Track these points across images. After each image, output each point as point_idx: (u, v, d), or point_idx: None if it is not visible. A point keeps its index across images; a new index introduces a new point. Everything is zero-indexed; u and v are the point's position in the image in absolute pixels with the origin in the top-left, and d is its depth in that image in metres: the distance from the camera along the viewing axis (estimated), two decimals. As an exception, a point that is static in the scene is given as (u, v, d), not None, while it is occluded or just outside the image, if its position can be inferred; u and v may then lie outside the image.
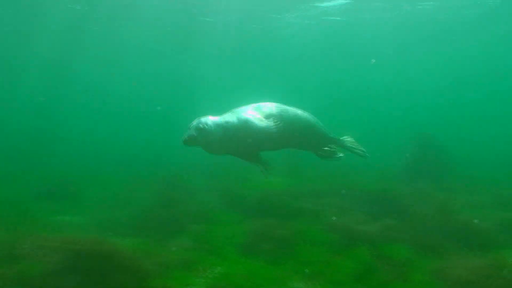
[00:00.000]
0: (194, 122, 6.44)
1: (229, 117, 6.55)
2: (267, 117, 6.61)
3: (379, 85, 45.24)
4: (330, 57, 32.87)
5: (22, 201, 11.92)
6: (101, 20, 22.45)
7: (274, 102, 6.98)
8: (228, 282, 6.32)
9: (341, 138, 7.53)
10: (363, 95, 49.19)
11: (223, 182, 13.15)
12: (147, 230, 8.73)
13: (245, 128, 6.50)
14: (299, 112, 7.03)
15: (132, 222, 9.41)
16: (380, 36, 25.92)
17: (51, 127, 37.61)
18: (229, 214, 9.93)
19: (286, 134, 6.71)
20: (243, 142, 6.52)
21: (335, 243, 7.94)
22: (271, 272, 6.77)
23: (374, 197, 10.37)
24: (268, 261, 7.23)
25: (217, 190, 12.04)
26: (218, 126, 6.42)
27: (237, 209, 10.16)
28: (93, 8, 20.77)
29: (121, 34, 25.45)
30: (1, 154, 21.05)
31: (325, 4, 20.70)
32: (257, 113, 6.66)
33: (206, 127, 6.32)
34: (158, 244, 7.90)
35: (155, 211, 9.92)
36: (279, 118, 6.64)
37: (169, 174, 13.74)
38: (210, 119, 6.46)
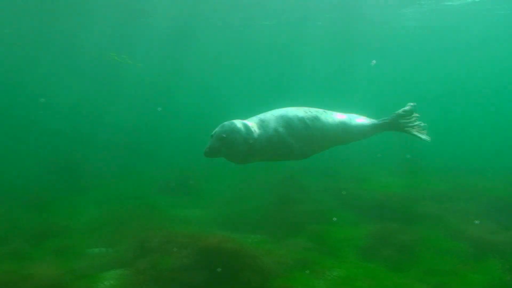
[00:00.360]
0: (217, 129, 5.97)
1: (255, 129, 5.98)
2: (294, 136, 6.13)
3: (494, 81, 42.28)
4: (450, 52, 31.26)
5: (147, 195, 12.65)
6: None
7: (309, 108, 6.56)
8: (349, 286, 6.21)
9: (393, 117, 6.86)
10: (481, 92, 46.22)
11: (339, 182, 12.98)
12: (266, 228, 8.84)
13: (272, 146, 6.05)
14: (329, 120, 6.53)
15: (250, 218, 9.58)
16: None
17: (167, 125, 39.48)
18: (346, 215, 9.77)
19: (323, 146, 6.59)
20: (272, 155, 6.22)
21: (462, 252, 7.52)
22: (393, 279, 6.55)
23: (504, 203, 9.66)
24: (389, 267, 7.02)
25: (333, 190, 11.90)
26: (245, 140, 5.84)
27: (354, 210, 9.96)
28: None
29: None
30: (124, 152, 22.51)
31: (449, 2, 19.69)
32: (285, 130, 6.09)
33: (231, 136, 5.81)
34: (277, 242, 7.96)
35: (273, 209, 10.03)
36: (307, 138, 6.21)
37: (284, 171, 13.82)
38: (237, 126, 5.91)
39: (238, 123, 5.99)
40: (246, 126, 5.99)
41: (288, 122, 6.18)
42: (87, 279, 6.30)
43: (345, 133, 6.72)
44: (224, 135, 5.80)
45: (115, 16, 20.18)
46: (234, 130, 5.87)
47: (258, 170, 14.89)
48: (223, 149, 5.84)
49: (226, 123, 6.00)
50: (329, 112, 6.72)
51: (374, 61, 33.18)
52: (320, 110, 6.63)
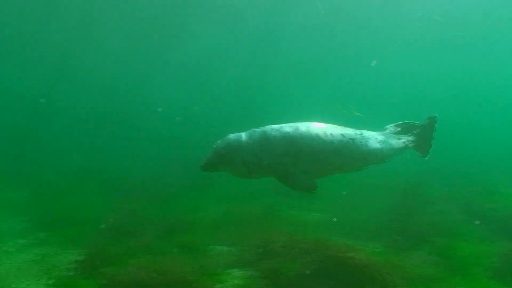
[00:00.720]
0: (219, 143, 5.51)
1: (257, 151, 5.37)
2: (304, 166, 5.47)
3: None
4: None
5: (262, 195, 12.73)
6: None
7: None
8: (480, 309, 5.85)
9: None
10: None
11: (464, 192, 12.24)
12: (386, 237, 8.59)
13: (273, 173, 5.55)
14: (355, 155, 5.67)
15: (369, 226, 9.34)
16: None
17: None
18: (474, 229, 9.19)
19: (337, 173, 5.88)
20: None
21: None
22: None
23: None
24: (526, 292, 6.49)
25: (458, 200, 11.27)
26: (244, 163, 5.38)
27: (483, 225, 9.34)
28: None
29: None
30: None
31: None
32: (291, 160, 5.38)
33: (230, 155, 5.35)
34: (399, 254, 7.69)
35: (393, 217, 9.70)
36: (318, 169, 5.59)
37: (406, 177, 13.31)
38: (239, 145, 5.39)
39: (241, 141, 5.48)
40: (249, 146, 5.45)
41: (298, 150, 5.43)
42: (212, 276, 6.50)
43: (369, 162, 5.96)
44: (223, 152, 5.41)
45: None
46: (235, 150, 5.41)
47: (377, 174, 14.50)
48: (220, 166, 5.51)
49: (231, 137, 5.57)
50: (361, 137, 5.80)
51: (374, 62, 32.03)
52: (347, 138, 5.61)
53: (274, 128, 5.54)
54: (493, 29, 23.65)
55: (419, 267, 7.01)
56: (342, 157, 5.56)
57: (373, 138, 5.93)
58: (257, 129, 5.61)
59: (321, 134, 5.46)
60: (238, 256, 7.34)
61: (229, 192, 13.32)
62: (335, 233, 8.68)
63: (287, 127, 5.54)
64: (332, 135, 5.50)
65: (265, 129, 5.57)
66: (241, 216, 9.75)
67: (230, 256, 7.42)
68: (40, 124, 26.15)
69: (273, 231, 7.57)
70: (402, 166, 14.14)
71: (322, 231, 8.86)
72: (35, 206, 11.53)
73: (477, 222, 8.61)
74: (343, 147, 5.53)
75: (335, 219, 8.79)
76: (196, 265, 6.77)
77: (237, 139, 5.50)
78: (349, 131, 5.72)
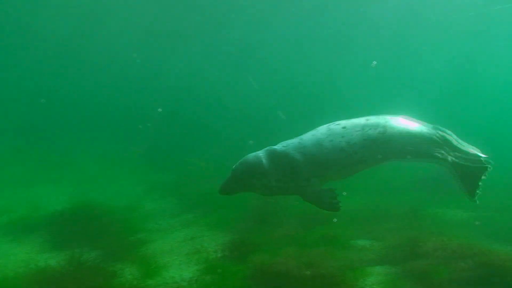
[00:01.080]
0: (238, 166, 5.32)
1: (280, 177, 5.20)
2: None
3: None
4: None
5: (396, 188, 12.20)
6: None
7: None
8: None
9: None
10: None
11: None
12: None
13: (298, 193, 5.37)
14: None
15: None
16: None
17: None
18: None
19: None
20: None
21: None
22: None
23: None
24: None
25: None
26: (266, 186, 5.26)
27: None
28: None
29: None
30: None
31: None
32: (319, 180, 5.26)
33: (249, 180, 5.25)
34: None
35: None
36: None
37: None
38: (258, 170, 5.23)
39: (262, 165, 5.28)
40: (271, 171, 5.28)
41: (323, 170, 5.32)
42: (355, 271, 6.42)
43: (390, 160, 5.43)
44: (243, 177, 5.30)
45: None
46: (256, 176, 5.29)
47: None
48: (240, 190, 5.42)
49: (250, 161, 5.37)
50: (383, 136, 5.20)
51: (374, 62, 30.03)
52: (369, 142, 5.21)
53: (296, 148, 5.34)
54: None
55: None
56: (366, 164, 5.36)
57: (398, 135, 5.23)
58: (278, 149, 5.41)
59: (345, 148, 5.17)
60: (381, 252, 7.18)
61: (367, 184, 13.05)
62: (484, 235, 8.13)
63: (311, 145, 5.30)
64: (355, 143, 5.18)
65: (287, 150, 5.34)
66: (382, 211, 9.51)
67: (373, 252, 7.30)
68: (184, 115, 27.59)
69: (421, 230, 7.28)
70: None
71: (471, 232, 8.33)
72: (182, 188, 12.31)
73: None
74: (365, 153, 5.23)
75: (335, 220, 8.25)
76: (339, 258, 6.74)
77: (257, 163, 5.34)
78: (370, 132, 5.21)
